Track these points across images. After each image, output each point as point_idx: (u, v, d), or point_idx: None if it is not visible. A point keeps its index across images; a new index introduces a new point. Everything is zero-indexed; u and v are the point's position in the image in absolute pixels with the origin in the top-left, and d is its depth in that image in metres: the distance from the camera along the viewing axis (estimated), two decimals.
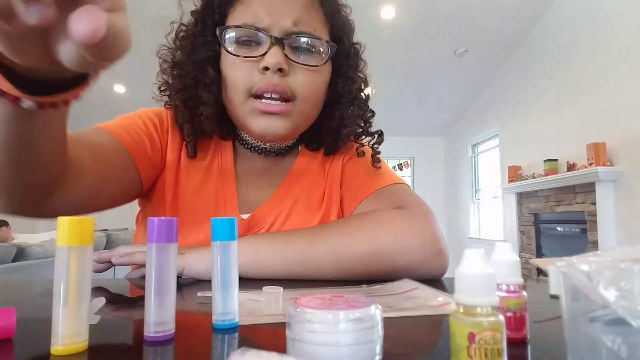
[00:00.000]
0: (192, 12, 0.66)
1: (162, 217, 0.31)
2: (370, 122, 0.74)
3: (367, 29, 4.63)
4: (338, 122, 0.71)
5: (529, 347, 0.29)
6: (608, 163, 3.14)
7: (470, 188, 5.86)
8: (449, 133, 6.54)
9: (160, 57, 0.67)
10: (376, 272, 0.57)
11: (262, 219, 0.67)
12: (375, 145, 0.74)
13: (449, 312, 0.24)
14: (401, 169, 6.63)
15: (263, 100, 0.61)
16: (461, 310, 0.23)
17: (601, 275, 0.20)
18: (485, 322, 0.22)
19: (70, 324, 0.27)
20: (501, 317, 0.23)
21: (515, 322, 0.29)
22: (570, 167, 3.55)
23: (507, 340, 0.23)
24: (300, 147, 0.77)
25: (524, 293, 0.30)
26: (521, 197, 4.40)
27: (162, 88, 0.67)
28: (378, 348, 0.24)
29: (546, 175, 3.76)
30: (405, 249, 0.58)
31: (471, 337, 0.22)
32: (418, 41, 4.40)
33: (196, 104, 0.65)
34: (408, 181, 6.74)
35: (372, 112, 0.74)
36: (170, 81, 0.67)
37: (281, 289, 0.39)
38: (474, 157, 5.86)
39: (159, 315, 0.30)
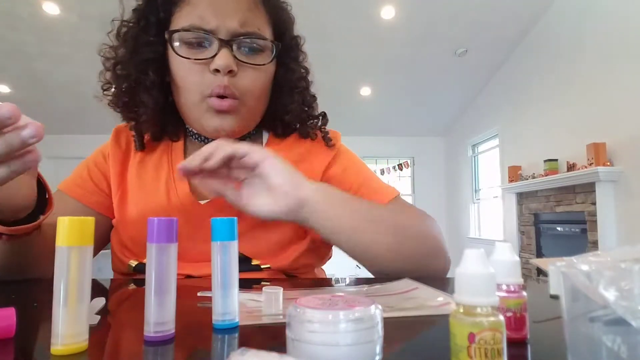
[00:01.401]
0: (135, 10, 0.67)
1: (162, 217, 0.31)
2: (313, 107, 0.76)
3: (367, 29, 4.62)
4: (281, 109, 0.73)
5: (529, 347, 0.29)
6: (608, 163, 3.13)
7: (470, 188, 5.85)
8: (449, 133, 6.54)
9: (102, 56, 0.67)
10: (418, 255, 0.61)
11: (222, 207, 0.65)
12: (323, 127, 0.76)
13: (449, 312, 0.24)
14: (401, 169, 6.63)
15: (217, 100, 0.63)
16: (461, 310, 0.23)
17: (601, 275, 0.20)
18: (485, 322, 0.22)
19: (70, 324, 0.27)
20: (501, 317, 0.23)
21: (515, 322, 0.29)
22: (570, 167, 3.54)
23: (507, 340, 0.23)
24: (266, 137, 0.77)
25: (524, 293, 0.30)
26: (521, 197, 4.40)
27: (105, 87, 0.68)
28: (378, 348, 0.24)
29: (546, 175, 3.76)
30: (442, 243, 0.65)
31: (471, 337, 0.22)
32: (418, 41, 4.39)
33: (136, 105, 0.67)
34: (408, 181, 6.80)
35: (314, 97, 0.77)
36: (112, 80, 0.68)
37: (281, 289, 0.39)
38: (474, 157, 5.86)
39: (159, 315, 0.30)
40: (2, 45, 4.17)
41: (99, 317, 0.36)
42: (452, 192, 6.43)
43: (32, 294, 0.54)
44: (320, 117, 0.77)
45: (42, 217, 0.52)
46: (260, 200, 0.54)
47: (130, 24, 0.66)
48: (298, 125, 0.75)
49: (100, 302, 0.42)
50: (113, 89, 0.68)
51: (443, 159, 6.74)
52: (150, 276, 0.30)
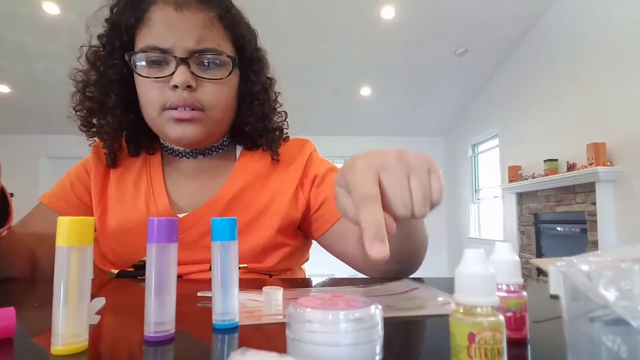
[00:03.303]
0: (100, 36, 0.70)
1: (162, 218, 0.31)
2: (271, 119, 0.77)
3: (367, 29, 4.60)
4: (241, 121, 0.75)
5: (529, 347, 0.29)
6: (608, 163, 3.13)
7: (470, 188, 5.85)
8: (449, 133, 6.54)
9: (73, 79, 0.71)
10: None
11: (199, 219, 0.68)
12: (277, 141, 0.77)
13: (449, 312, 0.24)
14: None
15: (176, 111, 0.65)
16: (461, 310, 0.23)
17: (601, 275, 0.19)
18: (485, 322, 0.22)
19: (70, 324, 0.27)
20: (501, 317, 0.23)
21: (515, 322, 0.29)
22: (570, 167, 3.54)
23: (507, 340, 0.23)
24: (239, 150, 0.79)
25: (524, 293, 0.30)
26: (521, 197, 4.39)
27: (77, 109, 0.71)
28: (378, 348, 0.24)
29: (546, 175, 3.76)
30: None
31: (471, 337, 0.22)
32: (418, 41, 4.39)
33: (101, 124, 0.70)
34: None
35: (274, 109, 0.78)
36: (81, 102, 0.71)
37: (281, 289, 0.39)
38: (474, 157, 5.85)
39: (159, 315, 0.30)
40: (2, 45, 4.17)
41: (99, 317, 0.36)
42: (452, 192, 6.43)
43: (32, 294, 0.54)
44: (277, 131, 0.78)
45: None
46: None
47: (97, 49, 0.70)
48: (260, 139, 0.76)
49: (100, 302, 0.42)
50: (83, 112, 0.71)
51: (443, 159, 6.74)
52: (150, 276, 0.30)
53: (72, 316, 0.27)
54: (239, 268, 0.65)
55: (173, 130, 0.67)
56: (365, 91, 5.40)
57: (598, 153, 3.16)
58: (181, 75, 0.63)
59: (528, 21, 4.14)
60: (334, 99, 5.49)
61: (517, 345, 0.29)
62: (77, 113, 0.71)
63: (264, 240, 0.68)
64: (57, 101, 5.74)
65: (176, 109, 0.65)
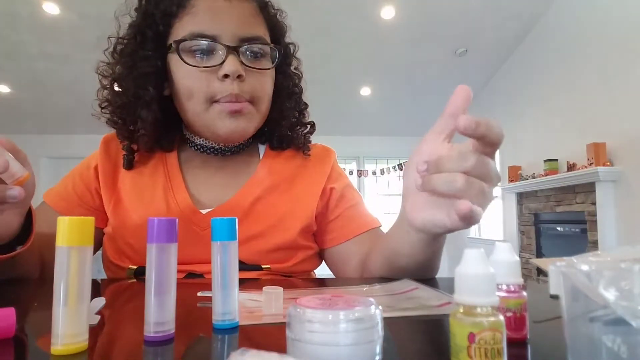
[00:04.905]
0: (131, 25, 0.66)
1: (162, 218, 0.31)
2: (304, 114, 0.77)
3: (367, 29, 4.61)
4: (278, 115, 0.73)
5: (529, 347, 0.29)
6: (608, 163, 3.13)
7: None
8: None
9: (99, 74, 0.67)
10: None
11: (226, 212, 0.67)
12: (308, 135, 0.78)
13: (449, 312, 0.24)
14: (401, 169, 6.63)
15: (229, 103, 0.63)
16: (461, 310, 0.23)
17: (601, 275, 0.19)
18: (485, 322, 0.22)
19: (70, 324, 0.27)
20: (501, 317, 0.23)
21: (515, 322, 0.29)
22: (570, 167, 3.54)
23: (507, 340, 0.23)
24: (262, 149, 0.78)
25: (524, 293, 0.30)
26: (521, 197, 4.39)
27: (103, 105, 0.68)
28: (378, 348, 0.24)
29: (546, 175, 3.76)
30: None
31: (471, 337, 0.22)
32: (418, 41, 4.39)
33: (135, 121, 0.66)
34: None
35: (306, 104, 0.78)
36: (110, 98, 0.67)
37: (281, 289, 0.39)
38: None
39: (159, 315, 0.30)
40: (2, 45, 4.16)
41: (99, 317, 0.36)
42: None
43: (32, 294, 0.54)
44: (309, 126, 0.78)
45: (18, 248, 0.53)
46: (433, 212, 0.46)
47: (126, 40, 0.66)
48: (290, 135, 0.76)
49: (100, 302, 0.42)
50: (111, 107, 0.68)
51: None
52: (150, 276, 0.30)
53: (72, 316, 0.27)
54: (262, 269, 0.65)
55: (225, 125, 0.64)
56: (365, 91, 5.40)
57: (598, 153, 3.16)
58: (232, 64, 0.60)
59: (528, 21, 4.13)
60: (334, 99, 5.49)
61: (517, 345, 0.29)
62: (103, 110, 0.68)
63: (289, 241, 0.67)
64: (57, 101, 5.72)
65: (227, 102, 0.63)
